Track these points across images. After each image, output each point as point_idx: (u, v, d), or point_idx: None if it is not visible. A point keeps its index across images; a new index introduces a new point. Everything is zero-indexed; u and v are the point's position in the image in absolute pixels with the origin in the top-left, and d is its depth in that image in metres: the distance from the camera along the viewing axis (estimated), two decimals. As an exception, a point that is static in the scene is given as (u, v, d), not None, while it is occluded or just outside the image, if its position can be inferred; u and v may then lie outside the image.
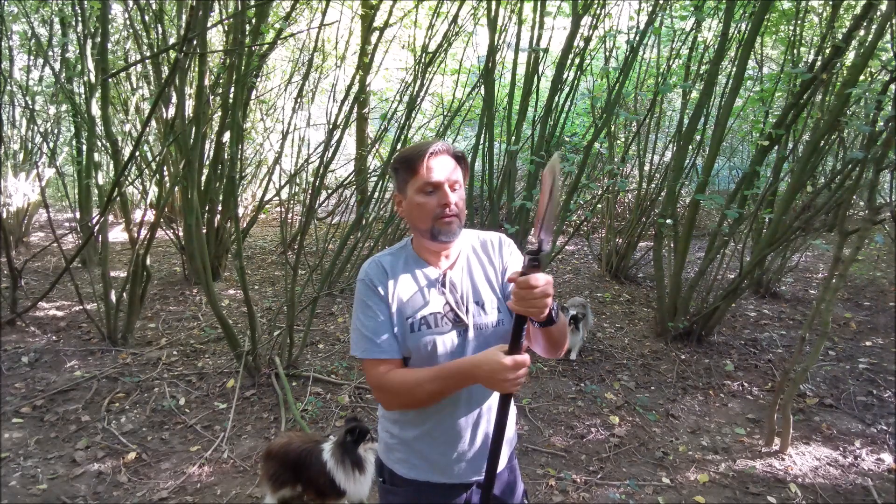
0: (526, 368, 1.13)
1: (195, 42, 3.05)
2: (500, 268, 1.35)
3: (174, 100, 4.42)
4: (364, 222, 5.26)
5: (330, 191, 7.38)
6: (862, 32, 3.93)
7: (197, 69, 3.66)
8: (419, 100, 4.97)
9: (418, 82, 4.84)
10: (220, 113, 5.02)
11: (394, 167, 1.32)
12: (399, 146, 5.11)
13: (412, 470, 1.34)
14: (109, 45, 5.17)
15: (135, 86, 6.72)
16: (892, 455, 2.95)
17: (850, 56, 4.62)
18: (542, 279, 1.08)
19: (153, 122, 6.14)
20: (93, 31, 4.83)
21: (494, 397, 1.32)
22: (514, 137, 4.51)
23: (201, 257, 3.34)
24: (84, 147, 6.12)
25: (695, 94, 4.83)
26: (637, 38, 4.07)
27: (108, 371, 3.61)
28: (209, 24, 3.27)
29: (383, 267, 1.31)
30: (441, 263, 1.33)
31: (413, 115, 5.15)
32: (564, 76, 4.51)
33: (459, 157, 1.30)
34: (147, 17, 5.00)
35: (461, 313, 1.28)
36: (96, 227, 4.07)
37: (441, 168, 1.25)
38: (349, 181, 6.51)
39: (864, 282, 6.06)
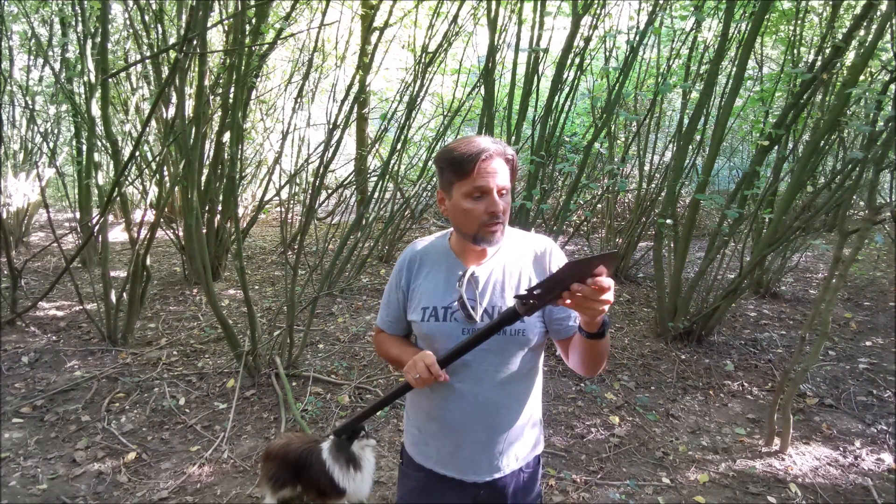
0: (427, 376, 1.22)
1: (195, 42, 3.05)
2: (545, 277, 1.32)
3: (174, 100, 4.42)
4: (364, 222, 5.25)
5: (330, 191, 7.38)
6: (862, 32, 3.93)
7: (197, 69, 3.65)
8: (419, 100, 4.97)
9: (418, 82, 4.83)
10: (220, 113, 5.02)
11: (439, 165, 1.28)
12: (399, 146, 5.11)
13: (423, 456, 1.40)
14: (109, 45, 5.16)
15: (135, 86, 6.71)
16: (892, 455, 2.95)
17: (850, 56, 4.62)
18: (608, 282, 1.00)
19: (153, 122, 6.13)
20: (93, 31, 4.82)
21: (501, 396, 1.32)
22: (514, 137, 4.51)
23: (201, 257, 3.34)
24: (84, 147, 6.12)
25: (695, 94, 4.83)
26: (637, 38, 4.07)
27: (108, 371, 3.61)
28: (209, 24, 3.26)
29: (416, 258, 1.39)
30: (473, 260, 1.33)
31: (413, 115, 5.15)
32: (564, 76, 4.50)
33: (510, 159, 1.26)
34: (147, 17, 5.00)
35: (471, 311, 1.27)
36: (96, 227, 4.07)
37: (492, 173, 1.21)
38: (349, 181, 6.52)
39: (864, 282, 6.06)
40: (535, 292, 1.09)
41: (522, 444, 1.38)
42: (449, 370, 1.26)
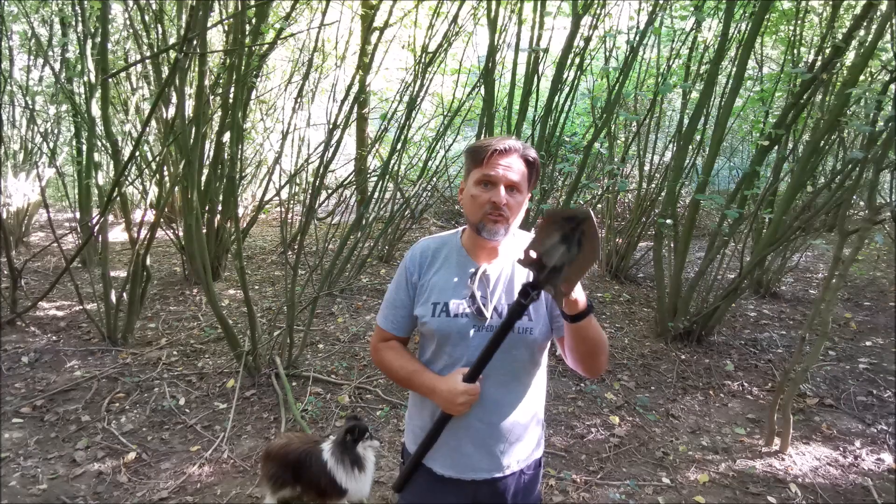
0: (474, 397, 1.25)
1: (195, 42, 3.05)
2: None
3: (174, 100, 4.42)
4: (364, 222, 5.25)
5: (330, 191, 7.37)
6: (862, 32, 3.93)
7: (197, 69, 3.66)
8: (419, 100, 4.96)
9: (418, 82, 4.83)
10: (220, 113, 5.02)
11: (465, 154, 1.34)
12: (399, 146, 5.11)
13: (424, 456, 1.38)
14: (109, 45, 5.16)
15: (135, 86, 6.71)
16: (892, 455, 2.95)
17: (850, 56, 4.62)
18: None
19: (153, 122, 6.13)
20: (93, 31, 4.82)
21: (504, 394, 1.33)
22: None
23: (201, 257, 3.34)
24: (84, 147, 6.12)
25: (695, 94, 4.83)
26: (637, 38, 4.07)
27: (108, 371, 3.61)
28: (209, 24, 3.26)
29: (428, 253, 1.38)
30: (484, 258, 1.34)
31: (413, 115, 5.14)
32: (564, 76, 4.51)
33: (531, 162, 1.29)
34: (147, 17, 5.00)
35: (483, 308, 1.28)
36: (96, 227, 4.07)
37: (504, 166, 1.25)
38: (349, 181, 6.51)
39: (864, 282, 6.06)
40: (530, 281, 1.14)
41: (524, 444, 1.38)
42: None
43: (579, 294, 1.13)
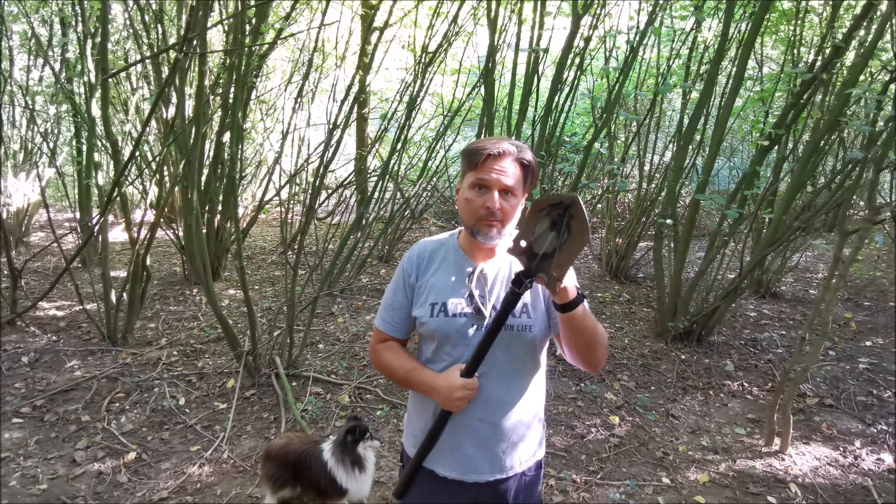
0: (472, 392, 1.25)
1: (195, 42, 3.05)
2: None
3: (174, 100, 4.42)
4: (364, 222, 5.25)
5: (330, 191, 7.37)
6: (862, 32, 3.93)
7: (197, 69, 3.66)
8: (419, 100, 4.96)
9: (418, 82, 4.83)
10: (220, 113, 5.02)
11: (461, 154, 1.34)
12: (399, 146, 5.11)
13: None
14: (109, 45, 5.17)
15: (135, 86, 6.71)
16: (892, 455, 2.95)
17: (850, 56, 4.62)
18: None
19: (153, 122, 6.13)
20: (93, 31, 4.82)
21: (506, 392, 1.33)
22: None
23: (201, 257, 3.34)
24: (84, 147, 6.12)
25: (695, 94, 4.83)
26: (637, 38, 4.08)
27: (108, 371, 3.61)
28: (209, 24, 3.26)
29: (425, 255, 1.38)
30: (481, 258, 1.35)
31: (413, 115, 5.14)
32: (564, 76, 4.51)
33: (526, 165, 1.28)
34: (147, 17, 5.00)
35: (482, 306, 1.28)
36: (96, 227, 4.07)
37: (498, 170, 1.24)
38: (349, 181, 6.51)
39: (864, 282, 6.06)
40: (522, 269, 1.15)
41: (526, 444, 1.37)
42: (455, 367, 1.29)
43: (570, 282, 1.13)
